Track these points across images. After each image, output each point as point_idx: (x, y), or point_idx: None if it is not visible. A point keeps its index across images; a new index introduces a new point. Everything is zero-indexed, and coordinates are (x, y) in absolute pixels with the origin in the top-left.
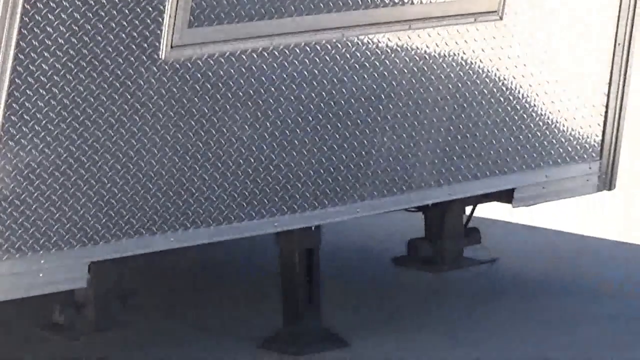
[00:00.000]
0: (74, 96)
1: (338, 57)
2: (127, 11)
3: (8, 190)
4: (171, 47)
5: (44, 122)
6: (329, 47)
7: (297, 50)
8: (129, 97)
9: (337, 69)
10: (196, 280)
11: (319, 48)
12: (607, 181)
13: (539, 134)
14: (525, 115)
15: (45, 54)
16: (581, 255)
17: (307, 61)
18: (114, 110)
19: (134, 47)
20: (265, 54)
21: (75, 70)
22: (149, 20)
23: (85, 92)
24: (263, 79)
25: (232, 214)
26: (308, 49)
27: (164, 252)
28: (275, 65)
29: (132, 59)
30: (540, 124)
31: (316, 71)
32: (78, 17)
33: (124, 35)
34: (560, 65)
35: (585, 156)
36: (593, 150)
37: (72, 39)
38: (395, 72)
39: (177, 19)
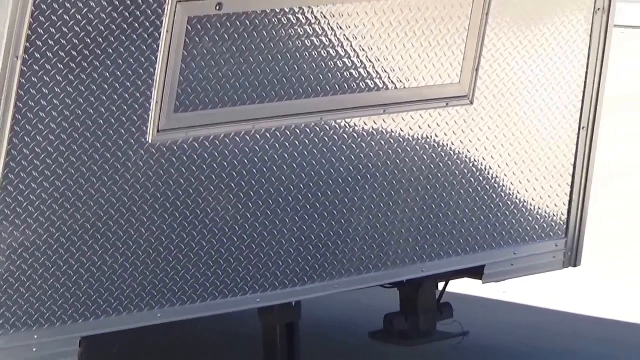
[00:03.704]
0: (65, 178)
1: (317, 140)
2: (115, 97)
3: (3, 269)
4: (158, 131)
5: (36, 203)
6: (308, 130)
7: (278, 134)
8: (118, 179)
9: (315, 151)
10: (180, 353)
11: (298, 131)
12: (572, 258)
13: (507, 213)
14: (494, 195)
15: (38, 138)
16: (551, 330)
17: (287, 144)
18: (104, 191)
19: (122, 131)
20: (248, 138)
21: (67, 153)
22: (136, 106)
23: (75, 174)
24: (245, 161)
25: (216, 291)
26: (288, 132)
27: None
28: (257, 147)
29: (121, 142)
30: (509, 203)
31: (296, 154)
32: (69, 102)
33: (112, 119)
34: (527, 147)
35: (551, 234)
36: (559, 228)
37: (63, 123)
38: (371, 155)
39: (163, 104)
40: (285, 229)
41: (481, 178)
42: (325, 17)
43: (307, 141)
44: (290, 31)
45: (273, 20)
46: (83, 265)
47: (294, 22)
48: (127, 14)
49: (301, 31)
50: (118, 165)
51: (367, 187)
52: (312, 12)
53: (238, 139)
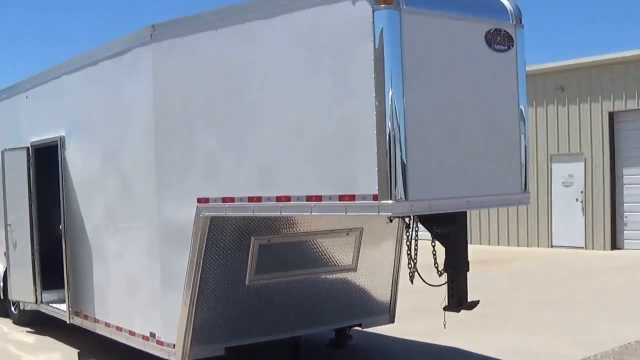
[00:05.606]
0: (214, 302)
1: (314, 281)
2: (235, 271)
3: (199, 325)
4: (249, 280)
5: (210, 302)
6: (311, 279)
7: (302, 281)
8: (237, 298)
9: (311, 284)
10: None
11: (309, 280)
12: (391, 319)
13: (371, 306)
14: (362, 299)
15: (209, 286)
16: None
17: (303, 285)
18: (232, 303)
19: (237, 281)
20: (286, 284)
21: (215, 292)
22: (243, 272)
23: (221, 300)
24: (286, 292)
25: (276, 331)
26: (305, 281)
27: None
28: (289, 288)
29: (236, 285)
30: (371, 302)
31: (308, 287)
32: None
33: (234, 278)
34: (356, 280)
35: (385, 310)
36: (386, 308)
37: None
38: (325, 283)
39: (251, 271)
40: (296, 311)
41: (347, 295)
42: (316, 242)
43: (310, 283)
44: (302, 247)
45: (295, 244)
46: (230, 320)
47: (301, 245)
48: (241, 242)
49: (307, 248)
50: (236, 292)
51: (325, 297)
52: (312, 241)
53: (281, 284)
